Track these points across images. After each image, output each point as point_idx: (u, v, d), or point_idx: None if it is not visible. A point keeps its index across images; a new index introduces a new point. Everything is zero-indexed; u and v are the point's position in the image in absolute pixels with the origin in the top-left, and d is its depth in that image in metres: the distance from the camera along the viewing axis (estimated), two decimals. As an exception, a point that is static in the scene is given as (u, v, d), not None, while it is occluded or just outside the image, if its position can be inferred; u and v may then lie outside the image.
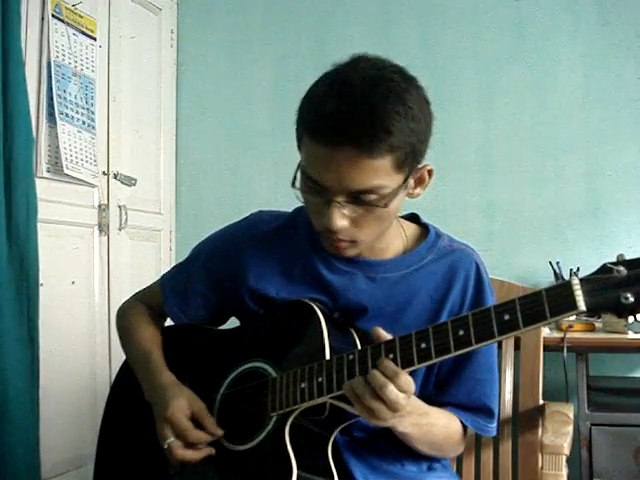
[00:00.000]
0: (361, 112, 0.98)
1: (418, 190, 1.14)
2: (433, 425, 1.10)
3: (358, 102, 0.99)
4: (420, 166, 1.09)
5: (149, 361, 1.24)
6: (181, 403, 1.14)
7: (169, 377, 1.21)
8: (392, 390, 0.94)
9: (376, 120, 0.99)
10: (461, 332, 0.93)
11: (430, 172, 1.12)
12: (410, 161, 1.05)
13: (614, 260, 0.87)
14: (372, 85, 1.01)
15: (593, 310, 0.86)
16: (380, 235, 1.13)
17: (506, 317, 0.90)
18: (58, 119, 2.20)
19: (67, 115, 2.25)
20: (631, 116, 2.56)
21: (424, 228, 1.23)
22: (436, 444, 1.14)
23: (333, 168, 1.01)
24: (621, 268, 0.85)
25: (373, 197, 1.03)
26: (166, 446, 1.12)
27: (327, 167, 1.02)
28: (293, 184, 1.07)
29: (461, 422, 1.17)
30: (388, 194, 1.04)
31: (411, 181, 1.10)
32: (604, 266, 0.87)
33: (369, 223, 1.07)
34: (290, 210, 1.27)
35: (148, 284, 1.39)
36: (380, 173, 1.02)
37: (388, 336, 0.99)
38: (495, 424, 1.20)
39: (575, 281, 0.86)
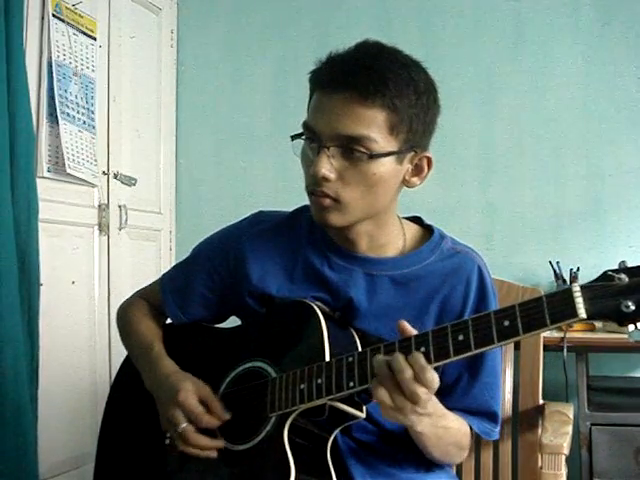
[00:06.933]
0: (364, 63, 1.05)
1: (415, 179, 1.14)
2: (447, 428, 1.08)
3: (364, 56, 1.07)
4: (421, 153, 1.11)
5: (150, 351, 1.24)
6: (190, 387, 1.13)
7: (172, 364, 1.21)
8: (415, 382, 0.92)
9: (375, 71, 1.04)
10: (461, 337, 0.92)
11: (430, 163, 1.13)
12: (406, 133, 1.07)
13: (615, 263, 0.87)
14: (382, 49, 1.09)
15: (593, 318, 0.85)
16: (368, 208, 1.11)
17: (506, 323, 0.90)
18: (60, 119, 2.20)
19: (68, 115, 2.25)
20: (631, 116, 2.56)
21: (427, 230, 1.23)
22: (446, 448, 1.12)
23: (327, 111, 1.06)
24: (622, 276, 0.84)
25: (361, 149, 1.05)
26: (180, 431, 1.11)
27: (322, 111, 1.07)
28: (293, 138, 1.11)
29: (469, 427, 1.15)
30: (377, 152, 1.05)
31: (408, 166, 1.11)
32: (605, 273, 0.86)
33: (355, 181, 1.07)
34: (290, 210, 1.27)
35: (148, 284, 1.39)
36: (371, 125, 1.04)
37: (414, 331, 0.97)
38: (499, 428, 1.19)
39: (576, 288, 0.85)
